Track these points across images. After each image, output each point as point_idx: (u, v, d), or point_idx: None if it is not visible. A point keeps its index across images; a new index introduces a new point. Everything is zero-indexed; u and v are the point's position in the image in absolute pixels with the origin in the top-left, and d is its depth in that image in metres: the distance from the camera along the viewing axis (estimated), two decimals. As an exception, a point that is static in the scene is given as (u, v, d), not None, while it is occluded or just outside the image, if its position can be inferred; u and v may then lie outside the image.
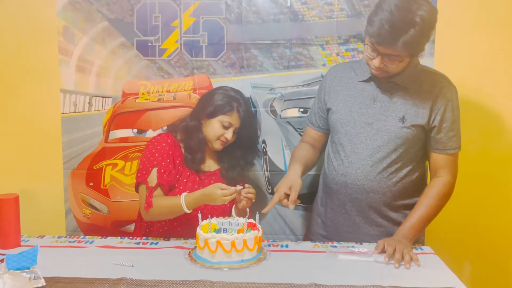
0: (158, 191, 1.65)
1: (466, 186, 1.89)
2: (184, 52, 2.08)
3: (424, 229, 1.66)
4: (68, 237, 1.70)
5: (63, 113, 2.14)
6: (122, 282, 1.29)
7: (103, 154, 2.14)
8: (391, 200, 1.64)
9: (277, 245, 1.61)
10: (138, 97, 2.10)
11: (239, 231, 1.49)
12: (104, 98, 2.14)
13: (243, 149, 1.80)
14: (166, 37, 2.06)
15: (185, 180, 1.70)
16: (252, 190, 1.63)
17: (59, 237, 1.69)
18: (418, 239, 1.65)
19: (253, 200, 1.63)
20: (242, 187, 1.61)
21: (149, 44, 2.08)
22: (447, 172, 1.62)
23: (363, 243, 1.63)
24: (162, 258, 1.50)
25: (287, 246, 1.61)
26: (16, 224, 1.58)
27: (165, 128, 1.77)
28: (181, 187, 1.69)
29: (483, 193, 2.10)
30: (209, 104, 1.71)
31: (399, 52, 1.46)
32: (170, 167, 1.67)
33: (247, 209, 1.65)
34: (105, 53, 2.10)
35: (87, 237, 1.70)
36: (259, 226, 1.51)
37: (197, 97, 2.02)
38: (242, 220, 1.54)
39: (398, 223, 1.64)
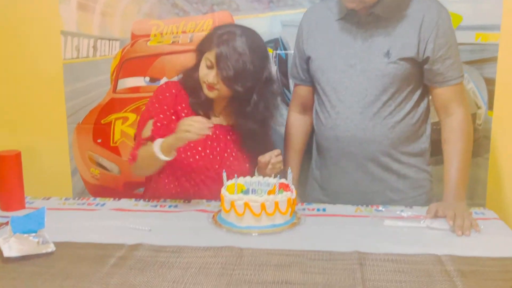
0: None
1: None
2: (203, -15, 2.03)
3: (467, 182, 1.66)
4: (76, 199, 1.74)
5: (64, 59, 2.14)
6: (140, 247, 1.32)
7: (111, 106, 2.16)
8: (390, 149, 1.65)
9: (313, 209, 1.62)
10: (149, 40, 2.08)
11: (269, 192, 1.49)
12: (110, 41, 2.13)
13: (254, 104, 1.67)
14: (180, -33, 2.02)
15: None
16: (279, 158, 1.59)
17: (66, 199, 1.74)
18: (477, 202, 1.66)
19: (282, 167, 1.62)
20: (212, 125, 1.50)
21: (162, -25, 2.04)
22: (458, 106, 1.63)
23: (413, 206, 1.63)
24: (182, 222, 1.52)
25: (324, 209, 1.62)
26: (19, 183, 1.62)
27: (181, 76, 1.75)
28: (191, 143, 1.62)
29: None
30: (204, 40, 1.66)
31: None
32: (169, 120, 1.65)
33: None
34: (111, -13, 2.07)
35: (97, 199, 1.74)
36: (292, 187, 1.52)
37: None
38: (272, 180, 1.55)
39: (403, 176, 1.68)
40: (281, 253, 1.29)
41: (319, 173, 1.82)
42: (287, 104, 1.98)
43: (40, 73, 2.19)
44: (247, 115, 1.68)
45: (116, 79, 2.16)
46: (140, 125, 1.70)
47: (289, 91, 2.07)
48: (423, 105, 1.70)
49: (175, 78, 1.94)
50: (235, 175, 1.56)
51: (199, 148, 1.67)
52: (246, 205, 1.43)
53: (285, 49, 2.06)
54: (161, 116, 1.65)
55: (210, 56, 1.60)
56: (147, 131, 1.65)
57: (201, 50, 1.65)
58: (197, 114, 1.66)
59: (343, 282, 1.14)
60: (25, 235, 1.32)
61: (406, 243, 1.35)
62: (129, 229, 1.46)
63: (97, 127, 2.19)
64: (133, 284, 1.14)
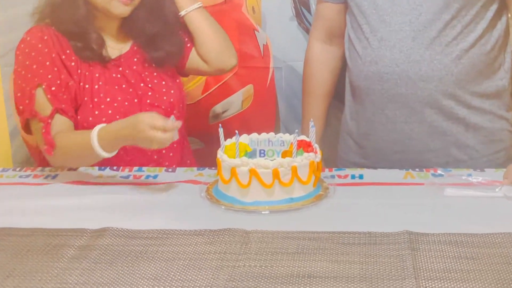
0: (60, 120, 1.64)
1: None
2: None
3: None
4: (18, 170, 1.77)
5: (-8, -26, 2.12)
6: (108, 233, 1.33)
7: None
8: (456, 88, 1.67)
9: (346, 175, 1.64)
10: None
11: (284, 154, 1.50)
12: None
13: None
14: None
15: (96, 86, 1.69)
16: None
17: (4, 170, 1.77)
18: None
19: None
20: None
21: None
22: None
23: (485, 169, 1.64)
24: (166, 198, 1.54)
25: (361, 176, 1.63)
26: None
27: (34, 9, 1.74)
28: (94, 99, 1.68)
29: None
30: None
31: None
32: (64, 78, 1.65)
33: None
34: None
35: (47, 169, 1.75)
36: (316, 146, 1.52)
37: None
38: (288, 136, 1.55)
39: (473, 126, 1.71)
40: (301, 237, 1.30)
41: (356, 125, 1.83)
42: (307, 31, 1.97)
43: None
44: (148, 32, 1.75)
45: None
46: (25, 103, 1.66)
47: (309, 12, 2.05)
48: (500, 26, 1.70)
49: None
50: (236, 131, 1.55)
51: (108, 100, 1.68)
52: (253, 172, 1.43)
53: None
54: (50, 76, 1.65)
55: None
56: (43, 103, 1.64)
57: None
58: (87, 59, 1.70)
59: (388, 274, 1.15)
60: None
61: (475, 219, 1.36)
62: (91, 208, 1.47)
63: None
64: (99, 283, 1.15)
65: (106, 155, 1.56)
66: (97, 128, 1.56)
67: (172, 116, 1.56)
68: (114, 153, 1.58)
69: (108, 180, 1.67)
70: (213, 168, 1.59)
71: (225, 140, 1.54)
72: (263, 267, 1.19)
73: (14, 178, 1.70)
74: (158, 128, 1.44)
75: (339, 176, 1.64)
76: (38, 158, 2.22)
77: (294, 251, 1.24)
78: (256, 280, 1.14)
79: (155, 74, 1.79)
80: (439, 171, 1.63)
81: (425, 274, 1.14)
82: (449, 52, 1.65)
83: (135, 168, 1.72)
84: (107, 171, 1.72)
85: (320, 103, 1.87)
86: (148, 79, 1.78)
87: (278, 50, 2.20)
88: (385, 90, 1.70)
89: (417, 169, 1.65)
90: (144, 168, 1.72)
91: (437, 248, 1.24)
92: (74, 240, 1.31)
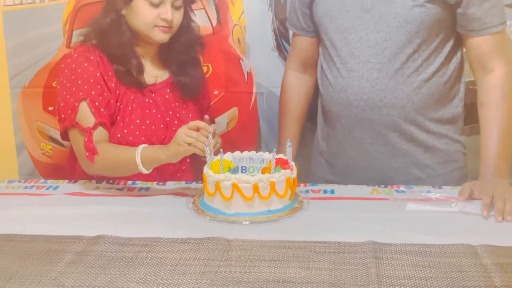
0: (100, 132, 1.63)
1: None
2: None
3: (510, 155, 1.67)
4: (23, 181, 1.74)
5: (4, 5, 2.12)
6: (102, 240, 1.32)
7: (64, 65, 2.14)
8: (416, 114, 1.68)
9: (319, 190, 1.63)
10: (111, -20, 2.05)
11: (263, 171, 1.50)
12: (61, -18, 2.11)
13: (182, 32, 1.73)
14: None
15: (130, 107, 1.69)
16: (217, 138, 1.61)
17: (10, 181, 1.74)
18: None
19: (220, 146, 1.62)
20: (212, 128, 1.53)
21: None
22: (499, 60, 1.64)
23: (442, 186, 1.64)
24: (156, 209, 1.53)
25: (332, 191, 1.63)
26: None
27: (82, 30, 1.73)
28: (126, 119, 1.67)
29: None
30: None
31: None
32: (106, 96, 1.64)
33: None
34: None
35: (49, 181, 1.74)
36: (292, 163, 1.52)
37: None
38: (267, 155, 1.55)
39: (431, 148, 1.71)
40: (278, 245, 1.29)
41: (326, 146, 1.82)
42: (285, 60, 1.97)
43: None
44: (181, 59, 1.74)
45: (70, 30, 2.15)
46: (67, 113, 1.64)
47: (289, 44, 2.06)
48: (455, 60, 1.70)
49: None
50: (221, 150, 1.55)
51: (137, 121, 1.68)
52: (235, 186, 1.43)
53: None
54: (93, 92, 1.63)
55: None
56: (86, 116, 1.62)
57: None
58: (126, 83, 1.68)
59: (354, 280, 1.15)
60: (-43, 226, 1.32)
61: (433, 231, 1.36)
62: (87, 217, 1.46)
63: (47, 92, 2.18)
64: (94, 286, 1.14)
65: (145, 171, 1.56)
66: (141, 147, 1.56)
67: (206, 116, 1.58)
68: (150, 171, 1.57)
69: (105, 192, 1.66)
70: (200, 182, 1.58)
71: (210, 156, 1.52)
72: (242, 273, 1.18)
73: (19, 189, 1.69)
74: (192, 127, 1.49)
75: (313, 191, 1.63)
76: (42, 172, 2.22)
77: (271, 259, 1.24)
78: (236, 285, 1.13)
79: (183, 106, 1.77)
80: (401, 188, 1.63)
81: (387, 281, 1.14)
82: (411, 82, 1.65)
83: (129, 181, 1.70)
84: (104, 184, 1.70)
85: (295, 125, 1.87)
86: (177, 109, 1.75)
87: (260, 77, 2.20)
88: (353, 115, 1.69)
89: (382, 186, 1.65)
90: (137, 182, 1.70)
91: (399, 257, 1.24)
92: (71, 246, 1.30)
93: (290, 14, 1.86)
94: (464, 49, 1.70)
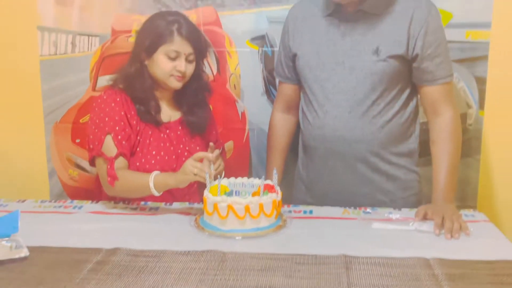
0: (120, 161, 1.62)
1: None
2: (185, -21, 2.02)
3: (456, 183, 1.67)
4: (52, 201, 1.72)
5: (41, 55, 2.12)
6: (118, 252, 1.31)
7: (90, 104, 2.12)
8: (379, 149, 1.67)
9: (299, 211, 1.62)
10: (130, 35, 2.07)
11: (254, 194, 1.49)
12: (90, 37, 2.11)
13: (193, 81, 1.73)
14: (163, -39, 2.01)
15: (148, 141, 1.68)
16: (219, 162, 1.59)
17: (42, 201, 1.72)
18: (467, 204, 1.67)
19: (223, 169, 1.61)
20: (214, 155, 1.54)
21: (143, -31, 2.03)
22: (446, 106, 1.64)
23: (402, 209, 1.64)
24: (163, 225, 1.51)
25: (311, 212, 1.62)
26: (-8, 186, 1.60)
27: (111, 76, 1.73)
28: (144, 150, 1.67)
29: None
30: (144, 39, 1.65)
31: None
32: (127, 131, 1.64)
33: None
34: (90, -19, 2.05)
35: (75, 201, 1.72)
36: (277, 188, 1.51)
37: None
38: (257, 181, 1.54)
39: (392, 177, 1.70)
40: (265, 257, 1.28)
41: (306, 174, 1.82)
42: (272, 103, 1.98)
43: (16, 70, 2.16)
44: (191, 102, 1.74)
45: (96, 76, 2.15)
46: (95, 144, 1.64)
47: (275, 89, 2.07)
48: (412, 104, 1.71)
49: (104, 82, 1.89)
50: (219, 177, 1.55)
51: (153, 152, 1.67)
52: (230, 207, 1.42)
53: (271, 46, 2.07)
54: (117, 128, 1.63)
55: (172, 47, 1.61)
56: (110, 147, 1.62)
57: (148, 50, 1.64)
58: (146, 121, 1.68)
59: (328, 287, 1.14)
60: (-3, 239, 1.30)
61: (394, 246, 1.35)
62: (106, 232, 1.44)
63: (75, 127, 2.17)
64: (110, 290, 1.13)
65: (157, 194, 1.56)
66: (154, 173, 1.56)
67: (211, 143, 1.59)
68: (161, 194, 1.57)
69: (121, 210, 1.64)
70: (200, 203, 1.57)
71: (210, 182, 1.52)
72: (235, 281, 1.17)
73: (50, 208, 1.67)
74: (197, 158, 1.50)
75: (295, 211, 1.62)
76: (70, 194, 2.20)
77: (259, 268, 1.23)
78: (230, 290, 1.12)
79: (192, 140, 1.76)
80: (368, 210, 1.62)
81: (356, 288, 1.13)
82: (375, 122, 1.65)
83: (142, 202, 1.69)
84: (121, 204, 1.69)
85: (280, 156, 1.86)
86: (186, 143, 1.74)
87: (252, 116, 2.20)
88: (328, 149, 1.69)
89: (352, 208, 1.64)
90: (148, 202, 1.69)
91: (366, 268, 1.23)
92: (92, 257, 1.28)
93: (276, 66, 1.87)
94: (419, 96, 1.71)
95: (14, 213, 1.38)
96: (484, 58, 2.00)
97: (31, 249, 1.29)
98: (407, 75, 1.66)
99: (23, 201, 1.71)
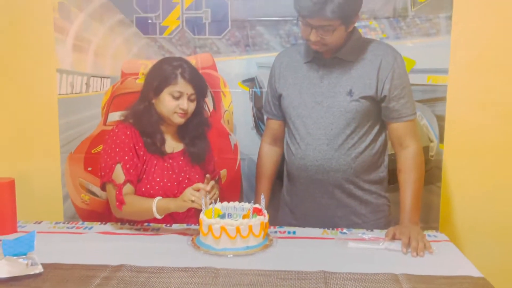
0: (128, 187, 1.62)
1: (479, 168, 1.88)
2: (186, 30, 2.05)
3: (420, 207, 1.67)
4: (66, 223, 1.70)
5: (59, 94, 2.13)
6: (123, 268, 1.29)
7: (101, 137, 2.13)
8: (353, 177, 1.68)
9: (284, 232, 1.61)
10: (138, 77, 2.09)
11: (244, 217, 1.48)
12: (102, 79, 2.12)
13: (195, 117, 1.73)
14: (167, 14, 2.04)
15: (153, 169, 1.67)
16: (214, 191, 1.56)
17: (56, 223, 1.70)
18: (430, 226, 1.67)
19: (218, 197, 1.59)
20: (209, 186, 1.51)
21: (149, 21, 2.06)
22: (411, 139, 1.66)
23: (373, 230, 1.63)
24: (164, 244, 1.49)
25: (294, 232, 1.61)
26: (12, 209, 1.58)
27: (122, 112, 1.73)
28: (149, 177, 1.66)
29: (499, 175, 2.07)
30: (152, 80, 1.67)
31: (329, 21, 1.52)
32: (135, 161, 1.64)
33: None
34: (103, 31, 2.08)
35: (85, 222, 1.70)
36: (265, 211, 1.51)
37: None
38: (247, 205, 1.54)
39: (365, 201, 1.71)
40: (254, 273, 1.27)
41: (290, 198, 1.81)
42: (261, 136, 1.98)
43: (37, 107, 2.16)
44: (192, 135, 1.73)
45: (107, 112, 2.15)
46: (106, 171, 1.63)
47: (263, 124, 2.08)
48: (381, 138, 1.72)
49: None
50: (213, 202, 1.54)
51: (157, 179, 1.66)
52: (223, 228, 1.41)
53: (260, 87, 2.09)
54: (126, 158, 1.63)
55: (176, 88, 1.62)
56: (119, 174, 1.61)
57: (156, 90, 1.64)
58: (152, 152, 1.68)
59: (309, 300, 1.13)
60: (15, 257, 1.28)
61: (367, 263, 1.35)
62: (113, 250, 1.42)
63: (88, 157, 2.16)
64: (115, 303, 1.11)
65: (159, 217, 1.55)
66: (157, 199, 1.55)
67: (207, 175, 1.57)
68: (162, 217, 1.56)
69: (126, 231, 1.62)
70: (197, 225, 1.56)
71: (206, 206, 1.51)
72: (226, 294, 1.15)
73: (63, 228, 1.65)
74: (195, 188, 1.50)
75: (280, 232, 1.61)
76: (82, 216, 2.17)
77: (248, 283, 1.22)
78: (222, 303, 1.10)
79: (192, 169, 1.75)
80: (344, 230, 1.62)
81: (334, 301, 1.12)
82: (349, 153, 1.66)
83: (145, 223, 1.67)
84: (127, 225, 1.67)
85: (267, 183, 1.85)
86: (187, 172, 1.73)
87: (243, 147, 2.20)
88: (309, 176, 1.70)
89: (330, 229, 1.63)
90: (150, 223, 1.67)
91: (342, 282, 1.22)
92: (100, 273, 1.27)
93: (265, 104, 1.89)
94: (387, 131, 1.73)
95: (31, 233, 1.36)
96: (443, 99, 2.04)
97: (45, 266, 1.27)
98: (377, 113, 1.68)
99: (40, 222, 1.69)
